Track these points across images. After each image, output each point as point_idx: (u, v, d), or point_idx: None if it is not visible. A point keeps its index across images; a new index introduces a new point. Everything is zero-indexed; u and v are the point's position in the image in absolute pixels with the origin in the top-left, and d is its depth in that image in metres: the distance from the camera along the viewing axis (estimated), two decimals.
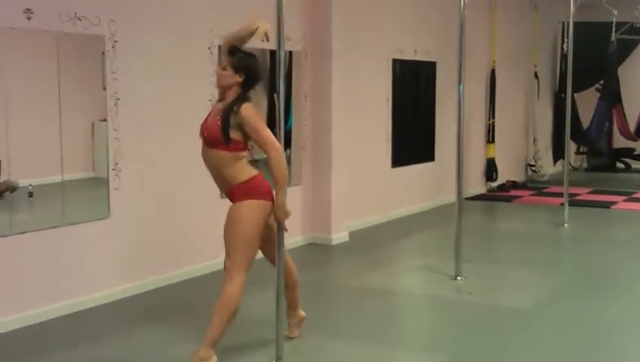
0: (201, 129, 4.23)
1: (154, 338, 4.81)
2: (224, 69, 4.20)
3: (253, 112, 4.08)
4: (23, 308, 4.97)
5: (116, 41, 5.47)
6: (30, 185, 5.16)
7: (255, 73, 4.23)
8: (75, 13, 5.17)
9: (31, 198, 5.21)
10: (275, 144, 4.07)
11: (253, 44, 6.72)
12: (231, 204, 4.20)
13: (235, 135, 4.08)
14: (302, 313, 4.73)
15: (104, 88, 5.47)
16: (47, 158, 5.24)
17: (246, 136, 4.11)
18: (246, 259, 4.12)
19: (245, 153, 4.17)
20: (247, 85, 4.17)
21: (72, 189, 5.36)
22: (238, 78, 4.14)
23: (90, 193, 5.73)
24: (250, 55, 4.25)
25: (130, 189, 5.64)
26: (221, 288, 4.12)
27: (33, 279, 5.03)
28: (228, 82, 4.16)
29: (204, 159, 4.24)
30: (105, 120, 5.49)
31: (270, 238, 4.28)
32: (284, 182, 4.09)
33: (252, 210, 4.10)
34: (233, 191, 4.16)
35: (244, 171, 4.14)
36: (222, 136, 4.07)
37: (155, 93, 5.85)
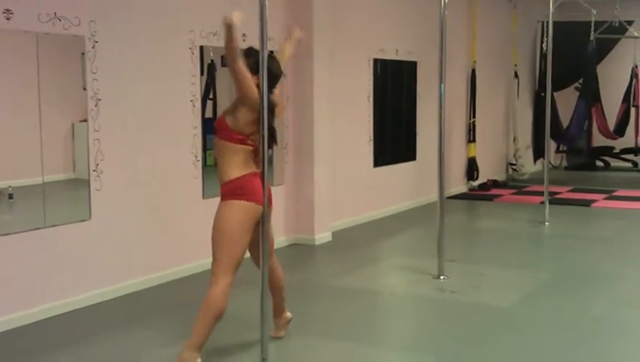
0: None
1: (138, 340, 4.78)
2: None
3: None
4: (4, 311, 4.92)
5: (96, 42, 5.44)
6: (10, 186, 5.11)
7: (274, 73, 4.22)
8: (55, 14, 5.13)
9: (11, 200, 5.16)
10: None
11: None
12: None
13: (238, 126, 4.09)
14: (288, 314, 4.73)
15: (84, 89, 5.43)
16: (27, 160, 5.19)
17: (249, 128, 4.09)
18: (231, 261, 4.08)
19: (243, 149, 4.12)
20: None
21: (53, 191, 5.32)
22: (256, 80, 4.11)
23: (71, 195, 5.69)
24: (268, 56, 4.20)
25: (111, 191, 5.60)
26: (207, 290, 4.10)
27: (14, 282, 4.98)
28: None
29: (214, 149, 4.33)
30: (85, 120, 5.45)
31: (258, 242, 4.26)
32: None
33: (235, 210, 4.09)
34: (222, 188, 4.17)
35: (234, 168, 4.12)
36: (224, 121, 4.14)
37: (136, 93, 5.82)
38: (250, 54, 4.20)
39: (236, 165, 4.12)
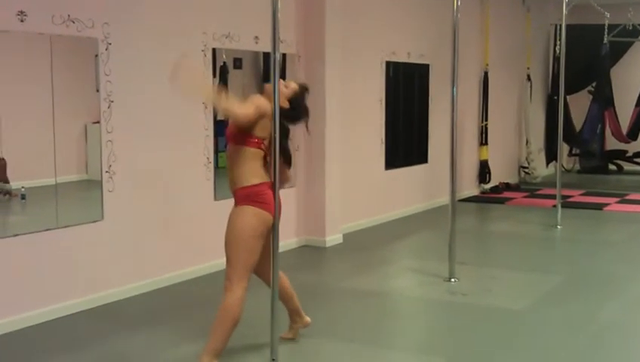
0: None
1: (149, 341, 4.80)
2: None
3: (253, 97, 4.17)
4: (17, 310, 4.95)
5: (110, 44, 5.47)
6: (23, 187, 5.15)
7: (300, 111, 4.35)
8: (69, 16, 5.17)
9: (23, 201, 5.20)
10: (243, 110, 4.03)
11: (247, 46, 6.77)
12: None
13: (251, 129, 4.09)
14: (307, 319, 4.74)
15: (97, 90, 5.46)
16: (40, 161, 5.23)
17: (262, 132, 4.11)
18: (245, 267, 4.09)
19: (258, 154, 4.13)
20: (289, 115, 4.27)
21: (66, 192, 5.35)
22: (285, 106, 4.24)
23: (84, 195, 5.72)
24: (303, 100, 4.38)
25: (123, 191, 5.63)
26: (222, 297, 4.09)
27: (27, 282, 5.02)
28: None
29: (226, 157, 4.30)
30: (98, 122, 5.48)
31: (266, 256, 4.25)
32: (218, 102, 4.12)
33: (250, 216, 4.08)
34: (237, 194, 4.16)
35: (253, 175, 4.11)
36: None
37: (149, 95, 5.85)
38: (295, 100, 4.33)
39: (253, 172, 4.12)
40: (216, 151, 6.52)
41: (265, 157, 4.17)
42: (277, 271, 4.24)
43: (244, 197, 4.12)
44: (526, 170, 12.84)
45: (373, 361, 4.54)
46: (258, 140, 4.12)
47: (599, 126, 12.95)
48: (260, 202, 4.09)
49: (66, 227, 5.26)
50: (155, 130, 5.91)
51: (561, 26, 8.95)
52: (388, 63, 8.92)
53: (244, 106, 4.04)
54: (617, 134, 13.45)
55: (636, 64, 13.82)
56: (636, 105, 13.56)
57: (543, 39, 13.58)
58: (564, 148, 12.22)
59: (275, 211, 4.15)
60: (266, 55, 6.84)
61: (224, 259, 4.18)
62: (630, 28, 12.03)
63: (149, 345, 4.73)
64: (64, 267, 5.25)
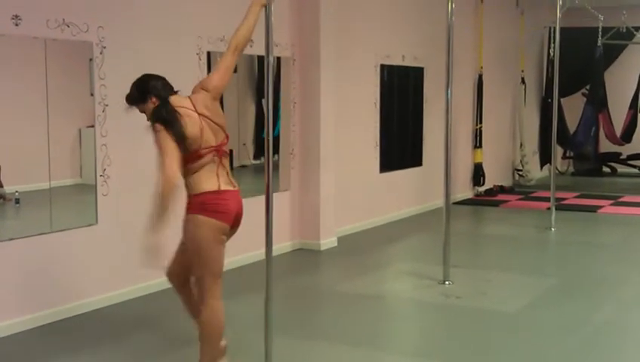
0: None
1: (145, 345, 4.79)
2: (143, 111, 4.09)
3: (156, 134, 3.95)
4: (9, 315, 4.94)
5: (104, 47, 5.47)
6: (17, 191, 5.15)
7: (145, 85, 4.06)
8: (64, 20, 5.17)
9: (17, 205, 5.19)
10: (166, 171, 3.80)
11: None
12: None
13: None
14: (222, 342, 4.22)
15: (92, 94, 5.46)
16: (34, 165, 5.23)
17: (189, 147, 3.88)
18: (213, 276, 3.93)
19: (197, 165, 3.91)
20: (158, 101, 4.04)
21: (60, 196, 5.34)
22: (151, 105, 4.04)
23: (78, 200, 5.72)
24: (135, 82, 4.10)
25: (118, 196, 5.63)
26: (200, 310, 3.99)
27: (20, 286, 5.01)
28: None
29: None
30: (92, 126, 5.47)
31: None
32: (162, 209, 3.84)
33: (204, 228, 3.89)
34: (188, 200, 3.98)
35: (205, 183, 3.92)
36: None
37: None
38: (131, 99, 4.10)
39: (205, 180, 3.93)
40: None
41: (221, 162, 3.95)
42: (271, 277, 4.22)
43: (194, 205, 3.92)
44: (520, 173, 12.86)
45: None
46: (200, 153, 3.89)
47: (593, 128, 12.99)
48: (212, 211, 3.89)
49: (61, 231, 5.26)
50: (150, 134, 5.89)
51: (555, 28, 8.98)
52: (382, 66, 8.94)
53: (166, 165, 3.81)
54: (611, 137, 13.51)
55: (630, 66, 13.86)
56: (630, 108, 13.62)
57: (537, 42, 13.62)
58: (558, 151, 12.25)
59: (270, 218, 4.10)
60: (261, 58, 6.83)
61: None
62: (624, 30, 12.08)
63: (142, 349, 4.72)
64: (58, 271, 5.24)
